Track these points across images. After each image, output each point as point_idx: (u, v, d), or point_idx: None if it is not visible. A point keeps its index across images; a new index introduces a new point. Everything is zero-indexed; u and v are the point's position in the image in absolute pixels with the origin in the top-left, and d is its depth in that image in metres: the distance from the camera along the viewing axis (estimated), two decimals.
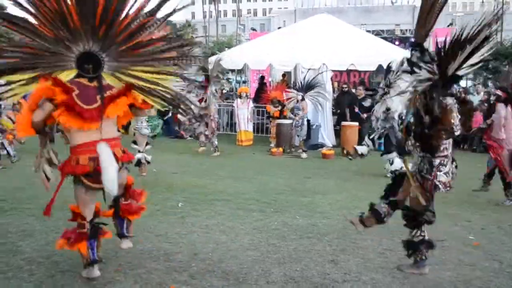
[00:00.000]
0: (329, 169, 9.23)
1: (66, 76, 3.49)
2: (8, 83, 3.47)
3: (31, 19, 3.37)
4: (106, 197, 3.75)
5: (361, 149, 9.16)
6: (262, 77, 17.20)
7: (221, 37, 51.66)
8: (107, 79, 3.56)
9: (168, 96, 3.63)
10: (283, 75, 15.67)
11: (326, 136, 12.61)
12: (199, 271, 3.91)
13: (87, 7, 3.33)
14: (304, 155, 10.81)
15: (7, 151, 8.60)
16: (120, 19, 3.43)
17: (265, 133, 13.82)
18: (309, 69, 11.86)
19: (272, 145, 11.83)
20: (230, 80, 22.49)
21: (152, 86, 3.58)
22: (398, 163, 8.76)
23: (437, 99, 3.63)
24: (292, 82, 13.10)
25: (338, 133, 12.35)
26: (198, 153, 10.56)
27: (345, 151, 9.70)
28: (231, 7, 39.49)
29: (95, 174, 3.39)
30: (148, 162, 8.04)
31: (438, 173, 3.82)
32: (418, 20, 3.84)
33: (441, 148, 3.80)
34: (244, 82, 19.57)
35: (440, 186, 3.83)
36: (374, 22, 28.73)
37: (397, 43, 18.43)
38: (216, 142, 10.74)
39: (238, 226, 5.20)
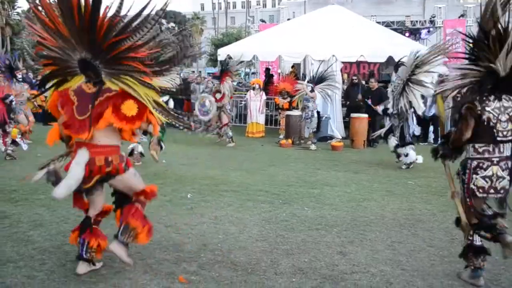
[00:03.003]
0: (338, 161, 9.21)
1: (79, 80, 3.48)
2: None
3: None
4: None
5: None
6: (268, 69, 17.14)
7: (230, 29, 51.53)
8: (108, 83, 3.39)
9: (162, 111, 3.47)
10: (293, 67, 15.59)
11: (336, 128, 12.56)
12: (208, 261, 3.93)
13: (66, 16, 3.16)
14: (313, 146, 10.78)
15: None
16: (100, 24, 3.15)
17: (274, 125, 13.80)
18: (321, 61, 11.81)
19: (281, 136, 11.81)
20: (239, 72, 22.47)
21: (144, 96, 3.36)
22: (413, 155, 8.60)
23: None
24: (301, 74, 13.04)
25: (347, 124, 12.30)
26: (208, 144, 10.79)
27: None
28: None
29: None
30: (142, 154, 8.11)
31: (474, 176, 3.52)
32: None
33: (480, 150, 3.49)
34: (254, 73, 19.52)
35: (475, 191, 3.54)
36: (384, 13, 28.49)
37: (407, 34, 18.23)
38: (231, 133, 10.99)
39: (247, 217, 5.21)
